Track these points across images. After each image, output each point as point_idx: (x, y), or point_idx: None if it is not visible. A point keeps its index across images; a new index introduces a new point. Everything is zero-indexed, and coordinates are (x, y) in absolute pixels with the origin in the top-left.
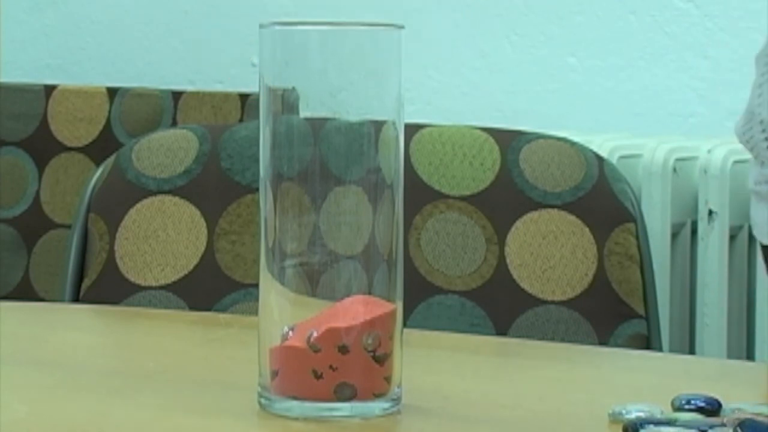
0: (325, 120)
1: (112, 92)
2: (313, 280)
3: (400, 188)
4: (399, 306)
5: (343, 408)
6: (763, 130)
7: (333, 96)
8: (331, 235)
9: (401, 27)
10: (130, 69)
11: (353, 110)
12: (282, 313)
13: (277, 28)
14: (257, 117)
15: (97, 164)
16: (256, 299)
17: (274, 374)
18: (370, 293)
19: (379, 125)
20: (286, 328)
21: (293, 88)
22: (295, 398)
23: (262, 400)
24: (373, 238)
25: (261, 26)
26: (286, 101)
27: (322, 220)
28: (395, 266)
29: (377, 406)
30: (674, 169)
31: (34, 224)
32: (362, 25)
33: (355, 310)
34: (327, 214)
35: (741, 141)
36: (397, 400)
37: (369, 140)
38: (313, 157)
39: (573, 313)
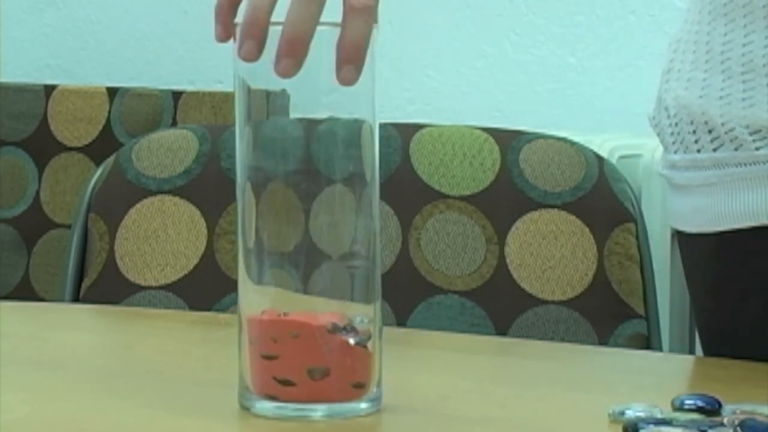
0: (313, 120)
1: (112, 92)
2: (299, 280)
3: (377, 184)
4: (377, 305)
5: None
6: (668, 116)
7: (322, 96)
8: (318, 235)
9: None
10: (130, 69)
11: (340, 110)
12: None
13: (271, 28)
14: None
15: (97, 164)
16: None
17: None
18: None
19: (359, 123)
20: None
21: (283, 90)
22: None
23: (244, 401)
24: (355, 236)
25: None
26: (275, 102)
27: (310, 220)
28: (374, 264)
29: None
30: None
31: (34, 224)
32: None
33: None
34: (315, 214)
35: (651, 126)
36: (377, 401)
37: (354, 139)
38: (300, 157)
39: (573, 313)
